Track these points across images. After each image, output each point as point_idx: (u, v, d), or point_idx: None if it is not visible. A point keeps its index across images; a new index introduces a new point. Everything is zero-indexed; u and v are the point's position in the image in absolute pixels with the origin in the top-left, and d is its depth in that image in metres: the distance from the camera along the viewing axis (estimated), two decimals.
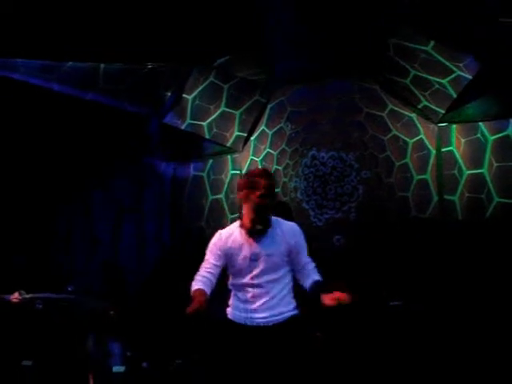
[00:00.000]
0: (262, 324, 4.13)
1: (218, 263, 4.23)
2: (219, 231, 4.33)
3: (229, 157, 8.42)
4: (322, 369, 4.81)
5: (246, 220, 4.17)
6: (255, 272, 4.13)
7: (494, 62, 6.43)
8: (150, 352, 6.64)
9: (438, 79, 6.91)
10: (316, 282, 4.17)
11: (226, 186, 8.37)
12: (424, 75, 6.98)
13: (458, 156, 7.01)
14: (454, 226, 6.93)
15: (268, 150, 8.09)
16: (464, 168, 6.96)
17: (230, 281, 4.29)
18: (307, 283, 4.20)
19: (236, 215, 8.18)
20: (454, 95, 6.88)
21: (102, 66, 7.56)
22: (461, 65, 6.64)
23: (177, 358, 6.83)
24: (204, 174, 8.57)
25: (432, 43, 6.66)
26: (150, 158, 8.87)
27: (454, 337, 6.28)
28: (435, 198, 7.07)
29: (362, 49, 7.25)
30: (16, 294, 5.12)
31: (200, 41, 7.29)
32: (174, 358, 6.84)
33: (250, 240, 4.18)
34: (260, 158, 8.15)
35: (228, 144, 8.31)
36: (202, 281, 4.21)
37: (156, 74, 7.80)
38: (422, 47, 6.74)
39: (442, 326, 6.31)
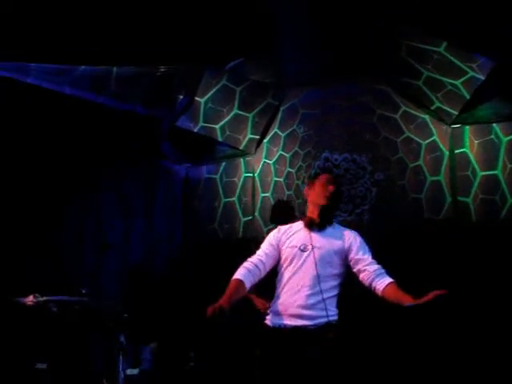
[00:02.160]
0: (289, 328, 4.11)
1: (269, 252, 4.29)
2: (279, 226, 4.43)
3: (241, 159, 8.43)
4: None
5: (308, 215, 4.34)
6: (300, 262, 4.14)
7: (507, 62, 6.39)
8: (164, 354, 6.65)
9: (450, 80, 6.88)
10: (391, 283, 4.14)
11: (238, 188, 8.37)
12: (437, 76, 6.95)
13: (471, 157, 6.98)
14: (468, 228, 6.89)
15: (281, 152, 8.09)
16: (478, 169, 6.92)
17: (279, 275, 4.29)
18: (378, 284, 4.17)
19: (249, 217, 8.19)
20: (467, 96, 6.84)
21: (115, 69, 7.57)
22: (474, 65, 6.61)
23: (190, 361, 6.84)
24: (217, 177, 8.59)
25: (444, 44, 6.63)
26: (163, 160, 8.88)
27: (466, 337, 6.26)
28: (448, 200, 7.04)
29: (375, 50, 7.23)
30: (31, 297, 5.11)
31: (212, 43, 7.30)
32: (187, 360, 6.85)
33: (306, 232, 4.25)
34: (273, 160, 8.15)
35: (241, 147, 8.32)
36: (245, 268, 4.26)
37: (168, 77, 7.81)
38: (435, 48, 6.71)
39: (455, 327, 6.28)
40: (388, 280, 4.13)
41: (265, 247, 4.34)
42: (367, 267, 4.18)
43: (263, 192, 8.18)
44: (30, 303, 5.07)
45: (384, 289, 4.10)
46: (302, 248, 4.18)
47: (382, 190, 7.34)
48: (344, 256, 4.21)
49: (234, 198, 8.39)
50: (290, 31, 7.20)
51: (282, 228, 4.41)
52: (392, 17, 6.61)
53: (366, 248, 4.32)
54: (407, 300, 3.96)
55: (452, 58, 6.67)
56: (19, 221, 7.72)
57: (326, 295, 4.09)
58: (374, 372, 6.06)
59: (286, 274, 4.20)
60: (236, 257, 6.37)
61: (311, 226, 4.25)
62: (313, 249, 4.14)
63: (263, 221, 8.01)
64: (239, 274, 4.21)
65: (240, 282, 4.15)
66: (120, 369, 5.55)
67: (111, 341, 5.79)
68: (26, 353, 5.89)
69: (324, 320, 4.08)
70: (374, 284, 4.14)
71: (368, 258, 4.23)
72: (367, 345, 6.19)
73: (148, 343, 6.34)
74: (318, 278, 4.09)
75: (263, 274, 4.28)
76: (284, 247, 4.28)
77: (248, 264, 4.27)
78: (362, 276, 4.21)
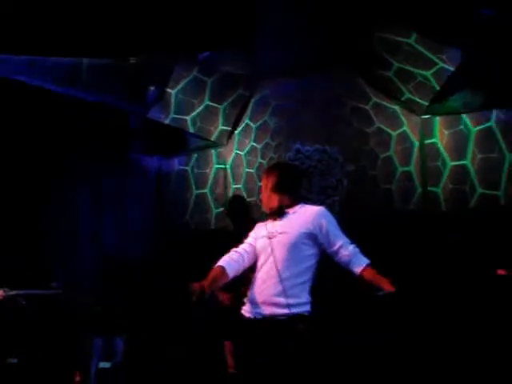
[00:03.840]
0: (276, 317, 4.01)
1: (253, 243, 4.28)
2: None
3: (213, 151, 8.42)
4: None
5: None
6: (270, 252, 4.10)
7: (476, 53, 6.44)
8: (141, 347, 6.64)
9: (421, 71, 6.92)
10: (367, 266, 4.02)
11: (210, 180, 8.37)
12: (407, 67, 7.00)
13: (441, 148, 7.03)
14: (438, 218, 6.95)
15: (252, 143, 8.09)
16: (447, 160, 6.99)
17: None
18: (354, 266, 4.05)
19: (221, 209, 8.19)
20: (437, 87, 6.90)
21: (85, 60, 7.50)
22: (443, 57, 6.65)
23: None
24: (188, 168, 8.57)
25: (414, 35, 6.67)
26: (134, 152, 8.84)
27: (435, 326, 6.32)
28: (419, 190, 7.10)
29: (346, 42, 7.25)
30: (0, 292, 5.09)
31: (183, 35, 7.26)
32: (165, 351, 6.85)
33: (270, 221, 4.23)
34: (244, 151, 8.15)
35: (212, 138, 8.31)
36: (228, 256, 4.23)
37: (139, 69, 7.76)
38: (405, 40, 6.75)
39: (426, 316, 6.34)
40: (364, 262, 4.05)
41: (249, 239, 4.33)
42: (341, 249, 4.04)
43: (235, 183, 8.19)
44: None
45: (361, 271, 4.05)
46: (269, 236, 4.17)
47: (354, 180, 7.39)
48: (313, 238, 4.14)
49: (206, 190, 8.38)
50: (265, 22, 7.19)
51: (260, 223, 4.39)
52: (366, 10, 6.62)
53: (337, 228, 4.16)
54: (385, 284, 3.94)
55: (422, 50, 6.71)
56: None
57: (287, 283, 3.99)
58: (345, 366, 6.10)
59: (259, 263, 4.19)
60: (208, 247, 6.40)
61: (273, 215, 4.23)
62: (274, 237, 4.12)
63: None
64: (222, 261, 4.20)
65: (222, 269, 4.13)
66: (92, 362, 5.54)
67: (83, 334, 5.78)
68: None
69: (286, 311, 3.97)
70: (350, 266, 4.07)
71: (340, 239, 4.07)
72: (341, 338, 6.24)
73: (120, 335, 6.31)
74: (276, 266, 4.02)
75: (247, 263, 4.24)
76: (258, 239, 4.27)
77: (232, 253, 4.25)
78: (337, 258, 4.10)
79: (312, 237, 4.09)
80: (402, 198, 7.17)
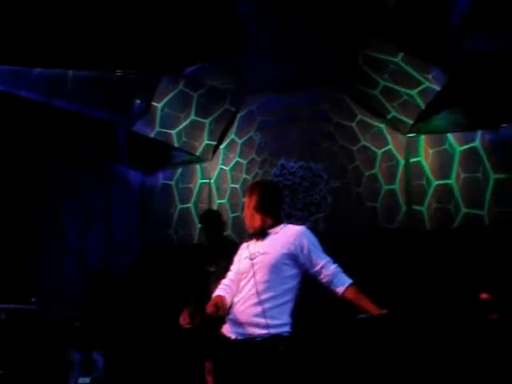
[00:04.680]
0: (254, 338, 3.96)
1: (236, 270, 4.25)
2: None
3: (198, 166, 8.39)
4: None
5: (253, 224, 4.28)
6: (251, 273, 4.06)
7: (461, 73, 6.48)
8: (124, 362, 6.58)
9: (406, 90, 6.96)
10: (350, 286, 3.98)
11: (194, 194, 8.33)
12: (393, 86, 7.02)
13: (426, 166, 7.05)
14: (422, 236, 6.95)
15: (237, 159, 8.07)
16: (432, 178, 7.00)
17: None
18: (337, 286, 4.01)
19: None
20: (423, 106, 6.93)
21: (71, 72, 7.48)
22: (429, 76, 6.69)
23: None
24: (173, 183, 8.53)
25: (401, 55, 6.71)
26: (119, 165, 8.80)
27: (421, 344, 6.30)
28: (403, 208, 7.10)
29: (332, 59, 7.26)
30: None
31: (170, 48, 7.25)
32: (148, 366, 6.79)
33: (253, 241, 4.20)
34: (229, 167, 8.13)
35: (197, 153, 8.28)
36: (221, 289, 4.21)
37: (125, 82, 7.74)
38: (391, 58, 6.79)
39: (410, 335, 6.32)
40: (347, 282, 4.02)
41: (233, 267, 4.30)
42: (323, 270, 4.01)
43: (219, 198, 8.15)
44: None
45: (344, 292, 4.02)
46: (251, 257, 4.15)
47: (338, 197, 7.37)
48: (294, 258, 4.11)
49: (190, 204, 8.34)
50: (249, 39, 7.18)
51: (244, 243, 4.35)
52: (353, 28, 6.64)
53: (318, 248, 4.12)
54: (367, 305, 3.91)
55: (408, 69, 6.74)
56: None
57: (267, 304, 3.96)
58: None
59: (241, 283, 4.16)
60: (191, 262, 6.37)
61: (255, 235, 4.21)
62: (255, 257, 4.09)
63: None
64: (218, 291, 4.19)
65: (222, 297, 4.12)
66: (72, 378, 5.47)
67: (63, 349, 5.71)
68: None
69: (265, 331, 3.92)
70: (332, 286, 4.03)
71: (322, 259, 4.04)
72: (325, 355, 6.20)
73: (100, 350, 6.25)
74: (256, 287, 3.98)
75: (236, 291, 4.26)
76: (240, 261, 4.25)
77: (222, 286, 4.25)
78: (319, 278, 4.07)
79: (293, 257, 4.06)
80: (387, 216, 7.16)
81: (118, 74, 7.69)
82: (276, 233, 4.18)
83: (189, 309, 5.76)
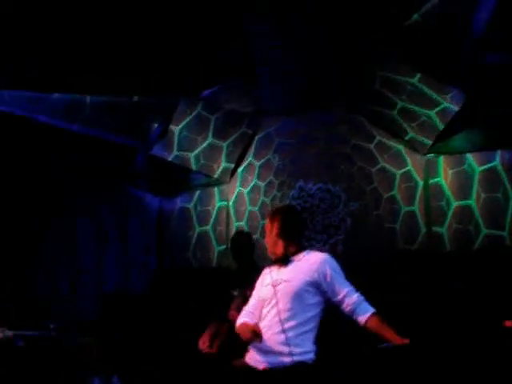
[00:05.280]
0: (276, 366, 3.96)
1: (257, 299, 4.23)
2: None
3: (216, 188, 8.38)
4: None
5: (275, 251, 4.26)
6: (274, 300, 4.06)
7: (480, 93, 6.44)
8: None
9: (425, 111, 6.91)
10: (373, 315, 3.98)
11: (213, 217, 8.31)
12: (411, 107, 6.98)
13: (445, 187, 6.99)
14: (442, 258, 6.88)
15: (255, 181, 8.05)
16: (452, 199, 6.94)
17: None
18: (359, 315, 4.01)
19: (223, 246, 8.13)
20: (441, 127, 6.88)
21: (88, 97, 7.53)
22: (447, 96, 6.65)
23: None
24: (191, 206, 8.52)
25: (418, 75, 6.68)
26: (136, 188, 8.81)
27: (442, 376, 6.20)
28: (423, 230, 7.03)
29: (349, 81, 7.26)
30: None
31: (187, 72, 7.28)
32: None
33: (275, 268, 4.18)
34: (247, 189, 8.11)
35: (215, 175, 8.28)
36: (246, 315, 4.20)
37: (142, 106, 7.79)
38: (409, 79, 6.76)
39: (432, 358, 6.23)
40: (370, 311, 4.00)
41: (254, 293, 4.29)
42: (346, 298, 4.02)
43: (237, 221, 8.13)
44: None
45: (366, 321, 4.00)
46: (273, 284, 4.13)
47: (357, 219, 7.32)
48: (317, 286, 4.09)
49: (208, 227, 8.32)
50: (266, 61, 7.20)
51: (266, 269, 4.33)
52: (367, 47, 6.64)
53: (341, 276, 4.12)
54: (389, 335, 3.89)
55: (426, 89, 6.71)
56: None
57: (290, 333, 3.96)
58: None
59: (264, 311, 4.15)
60: (209, 286, 6.33)
61: (277, 261, 4.19)
62: (278, 284, 4.07)
63: None
64: (243, 318, 4.18)
65: (248, 323, 4.12)
66: None
67: (81, 373, 5.69)
68: None
69: (289, 359, 3.92)
70: (355, 316, 4.03)
71: (344, 288, 4.04)
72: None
73: (117, 374, 6.21)
74: (280, 315, 3.98)
75: (258, 318, 4.24)
76: (262, 287, 4.23)
77: (246, 312, 4.23)
78: (342, 308, 4.07)
79: (316, 285, 4.05)
80: (406, 237, 7.10)
81: (135, 98, 7.73)
82: (299, 260, 4.16)
83: (210, 332, 5.70)
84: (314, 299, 4.07)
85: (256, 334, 3.91)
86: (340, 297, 4.04)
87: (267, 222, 4.32)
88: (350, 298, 4.03)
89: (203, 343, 5.70)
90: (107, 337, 6.76)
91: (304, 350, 3.98)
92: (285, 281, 4.07)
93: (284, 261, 4.16)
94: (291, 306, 4.01)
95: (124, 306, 8.30)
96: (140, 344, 7.29)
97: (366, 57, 6.92)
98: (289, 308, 4.01)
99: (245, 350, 4.18)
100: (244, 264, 5.98)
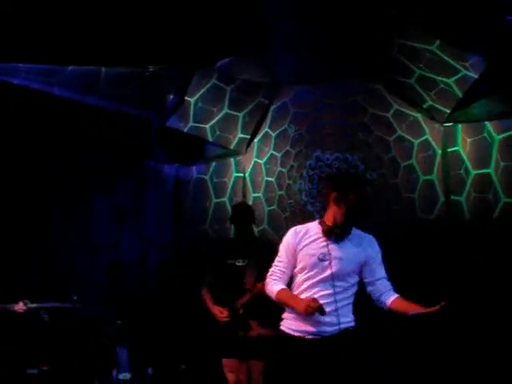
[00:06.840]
0: (323, 335, 4.15)
1: (288, 263, 4.27)
2: (294, 228, 4.34)
3: (232, 159, 8.36)
4: None
5: (329, 220, 4.24)
6: (323, 275, 4.14)
7: (499, 60, 6.35)
8: (154, 357, 6.59)
9: (443, 78, 6.83)
10: (399, 297, 4.21)
11: (229, 189, 8.31)
12: (429, 75, 6.91)
13: (464, 156, 6.94)
14: (461, 227, 6.85)
15: (272, 151, 8.03)
16: (470, 168, 6.89)
17: (295, 281, 4.28)
18: (386, 298, 4.23)
19: None
20: (460, 95, 6.80)
21: (104, 69, 7.49)
22: (467, 64, 6.56)
23: (181, 363, 6.78)
24: (207, 177, 8.52)
25: (437, 42, 6.57)
26: (152, 160, 8.81)
27: (459, 336, 6.23)
28: (441, 199, 7.00)
29: (366, 49, 7.17)
30: (21, 304, 5.04)
31: (202, 42, 7.22)
32: (178, 363, 6.79)
33: (324, 239, 4.19)
34: (264, 160, 8.09)
35: (231, 146, 8.26)
36: (280, 281, 4.29)
37: (158, 77, 7.73)
38: (428, 46, 6.66)
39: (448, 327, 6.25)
40: (395, 295, 4.23)
41: (285, 256, 4.27)
42: (378, 282, 4.25)
43: (254, 192, 8.12)
44: (20, 310, 4.99)
45: (391, 302, 4.19)
46: (320, 257, 4.14)
47: (375, 189, 7.28)
48: (361, 266, 4.24)
49: (225, 199, 8.32)
50: (282, 30, 7.13)
51: (299, 231, 4.26)
52: (386, 16, 6.54)
53: (382, 262, 4.35)
54: (415, 308, 3.99)
55: (445, 57, 6.61)
56: (7, 222, 7.62)
57: (340, 304, 4.13)
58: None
59: (305, 282, 4.19)
60: (212, 255, 6.36)
61: (329, 235, 4.18)
62: (331, 260, 4.11)
63: None
64: (279, 284, 4.23)
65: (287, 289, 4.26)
66: (113, 373, 5.49)
67: (105, 346, 5.73)
68: (17, 359, 5.80)
69: (336, 328, 4.12)
70: (381, 298, 4.25)
71: (382, 272, 4.29)
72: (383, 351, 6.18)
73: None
74: (334, 290, 4.11)
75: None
76: (302, 254, 4.22)
77: (277, 278, 4.27)
78: (370, 289, 4.30)
79: (364, 265, 4.26)
80: (425, 207, 7.07)
81: (150, 69, 7.68)
82: (350, 239, 4.23)
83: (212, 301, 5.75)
84: (357, 278, 4.30)
85: (321, 310, 4.02)
86: (375, 278, 4.27)
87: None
88: (382, 281, 4.28)
89: (221, 312, 5.75)
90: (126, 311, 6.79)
91: (349, 320, 4.24)
92: (337, 258, 4.16)
93: (337, 237, 4.18)
94: (344, 282, 4.19)
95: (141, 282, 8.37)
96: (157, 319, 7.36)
97: (384, 25, 6.82)
98: (341, 284, 4.18)
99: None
100: (242, 236, 6.06)
